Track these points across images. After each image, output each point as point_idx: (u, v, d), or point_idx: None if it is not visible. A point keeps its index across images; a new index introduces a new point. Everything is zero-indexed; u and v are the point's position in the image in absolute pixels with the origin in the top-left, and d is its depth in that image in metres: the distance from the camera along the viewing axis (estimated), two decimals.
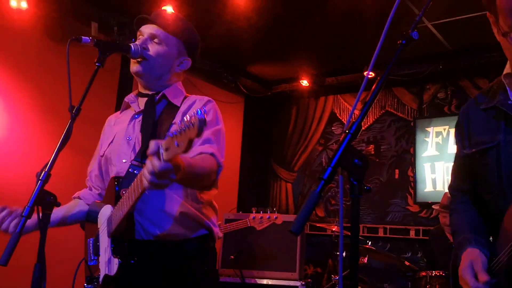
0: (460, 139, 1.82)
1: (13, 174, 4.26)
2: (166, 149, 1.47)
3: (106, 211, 2.00)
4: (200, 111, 1.37)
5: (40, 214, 1.66)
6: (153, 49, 2.09)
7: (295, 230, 1.18)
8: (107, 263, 1.90)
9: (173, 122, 2.04)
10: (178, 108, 2.11)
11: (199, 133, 1.37)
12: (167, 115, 2.07)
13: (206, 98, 2.17)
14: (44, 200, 1.64)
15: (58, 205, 1.70)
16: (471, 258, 1.63)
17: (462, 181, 1.86)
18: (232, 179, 6.97)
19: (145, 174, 1.55)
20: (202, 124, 1.36)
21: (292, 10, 4.98)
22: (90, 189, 2.28)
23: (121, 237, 1.89)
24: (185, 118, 1.41)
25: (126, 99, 2.24)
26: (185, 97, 2.18)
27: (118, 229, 1.87)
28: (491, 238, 1.69)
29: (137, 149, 2.03)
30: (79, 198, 2.27)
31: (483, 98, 1.75)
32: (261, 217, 4.12)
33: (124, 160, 2.03)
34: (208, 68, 6.25)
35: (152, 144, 1.53)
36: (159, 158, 1.51)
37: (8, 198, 4.01)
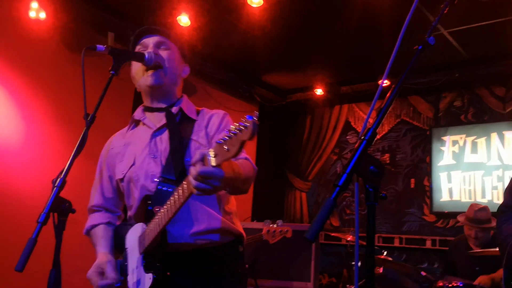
0: None
1: (30, 181, 4.31)
2: (215, 155, 1.48)
3: (136, 230, 1.99)
4: (251, 116, 1.38)
5: (56, 221, 1.66)
6: (164, 55, 2.09)
7: (310, 237, 1.17)
8: (137, 282, 1.89)
9: (191, 136, 2.03)
10: (194, 121, 2.10)
11: (252, 136, 1.37)
12: (186, 129, 2.06)
13: (222, 112, 2.15)
14: (60, 206, 1.64)
15: (74, 211, 1.70)
16: None
17: None
18: None
19: (191, 180, 1.55)
20: (255, 127, 1.37)
21: (307, 19, 4.99)
22: (112, 213, 2.23)
23: (154, 252, 1.88)
24: (234, 124, 1.42)
25: (135, 116, 2.19)
26: (197, 110, 2.17)
27: (152, 244, 1.86)
28: None
29: (163, 166, 2.01)
30: (109, 224, 2.20)
31: None
32: (274, 231, 4.16)
33: (156, 179, 1.99)
34: (223, 77, 6.27)
35: (197, 154, 1.54)
36: (205, 164, 1.51)
37: (26, 205, 4.08)
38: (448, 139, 6.10)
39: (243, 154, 1.93)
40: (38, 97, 4.57)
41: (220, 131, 2.04)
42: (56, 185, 1.66)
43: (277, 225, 4.19)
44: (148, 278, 1.85)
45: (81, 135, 1.74)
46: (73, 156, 1.71)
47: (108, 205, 2.22)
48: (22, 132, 4.45)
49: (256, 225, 4.78)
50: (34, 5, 4.42)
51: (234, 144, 1.41)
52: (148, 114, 2.16)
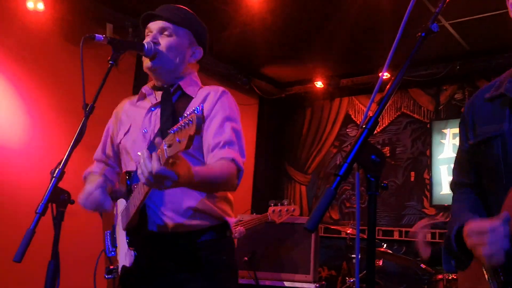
0: (464, 132, 1.77)
1: (30, 171, 4.30)
2: (169, 146, 1.48)
3: (120, 204, 2.03)
4: (198, 108, 1.39)
5: (54, 211, 1.65)
6: (164, 42, 2.09)
7: (310, 227, 1.16)
8: (125, 255, 1.92)
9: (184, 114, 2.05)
10: (191, 98, 2.11)
11: (197, 131, 1.38)
12: (182, 106, 2.07)
13: (220, 89, 2.16)
14: (59, 197, 1.64)
15: (72, 202, 1.70)
16: (475, 222, 1.50)
17: (464, 175, 1.80)
18: (246, 181, 6.95)
19: (139, 173, 1.58)
20: (200, 121, 1.38)
21: (307, 11, 4.96)
22: (111, 166, 2.28)
23: (136, 230, 1.91)
24: (185, 114, 1.43)
25: (143, 89, 2.23)
26: (200, 88, 2.18)
27: (131, 223, 1.90)
28: None
29: (150, 142, 2.04)
30: (105, 176, 2.21)
31: (488, 88, 1.70)
32: (280, 210, 4.13)
33: (139, 153, 2.02)
34: (222, 69, 6.25)
35: (157, 140, 1.56)
36: (159, 160, 1.53)
37: (25, 195, 4.06)
38: (448, 132, 6.08)
39: (230, 154, 1.93)
40: (37, 88, 4.55)
41: (216, 112, 2.03)
42: (54, 175, 1.65)
43: (283, 205, 4.15)
44: (131, 255, 1.89)
45: (80, 126, 1.73)
46: (71, 146, 1.71)
47: (107, 161, 2.29)
48: (22, 123, 4.43)
49: (255, 217, 4.77)
50: None
51: (184, 137, 1.42)
52: (155, 92, 2.20)
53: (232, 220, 2.12)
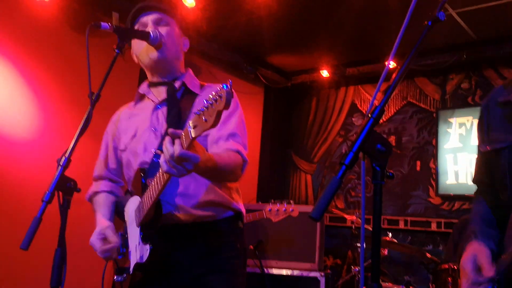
0: (480, 133, 1.79)
1: (37, 159, 4.32)
2: (194, 127, 1.48)
3: (133, 202, 2.02)
4: (226, 85, 1.40)
5: (61, 200, 1.66)
6: (164, 31, 2.09)
7: (315, 215, 1.16)
8: (138, 253, 1.92)
9: (192, 110, 2.05)
10: (196, 95, 2.11)
11: (227, 105, 1.39)
12: (187, 103, 2.07)
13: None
14: (65, 185, 1.65)
15: (79, 190, 1.71)
16: (475, 251, 1.62)
17: (482, 175, 1.84)
18: (252, 170, 6.96)
19: (162, 161, 1.58)
20: (229, 96, 1.39)
21: (313, 0, 4.92)
22: (115, 182, 2.28)
23: (150, 224, 1.91)
24: (211, 93, 1.43)
25: (140, 90, 2.22)
26: (201, 85, 2.19)
27: (147, 217, 1.89)
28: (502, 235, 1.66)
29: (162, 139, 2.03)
30: (111, 192, 2.25)
31: (502, 91, 1.70)
32: (277, 209, 4.13)
33: (153, 150, 2.04)
34: (227, 58, 6.23)
35: (171, 130, 1.56)
36: (180, 144, 1.53)
37: (32, 183, 4.09)
38: (454, 121, 6.05)
39: (235, 146, 1.96)
40: (44, 78, 4.56)
41: None
42: (61, 164, 1.66)
43: (282, 204, 4.16)
44: (146, 250, 1.88)
45: (86, 114, 1.74)
46: (77, 135, 1.71)
47: (111, 176, 2.27)
48: (29, 113, 4.45)
49: (261, 206, 4.79)
50: None
51: (211, 114, 1.43)
52: (152, 89, 2.19)
53: (244, 210, 2.15)
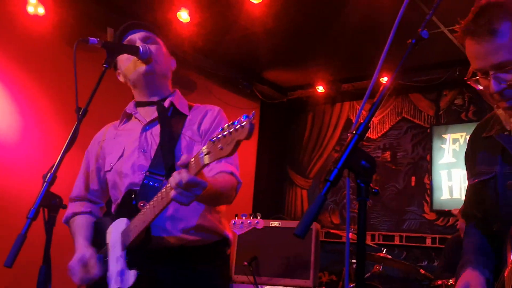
0: (467, 167, 1.84)
1: (26, 175, 4.28)
2: (207, 153, 1.47)
3: (118, 225, 1.95)
4: (248, 115, 1.38)
5: (46, 216, 1.65)
6: (153, 48, 2.07)
7: (299, 233, 1.15)
8: (119, 277, 1.86)
9: (182, 131, 2.02)
10: (185, 116, 2.09)
11: (249, 136, 1.37)
12: (177, 124, 2.04)
13: (217, 108, 2.14)
14: (50, 202, 1.64)
15: (64, 207, 1.69)
16: (469, 279, 1.63)
17: (473, 208, 1.86)
18: (248, 185, 6.94)
19: (171, 186, 1.56)
20: (252, 128, 1.37)
21: (309, 16, 4.96)
22: (94, 203, 2.22)
23: (137, 248, 1.86)
24: (228, 122, 1.42)
25: (127, 109, 2.18)
26: (189, 106, 2.16)
27: (135, 241, 1.84)
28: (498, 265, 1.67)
29: (152, 160, 2.00)
30: (91, 213, 2.19)
31: (484, 126, 1.76)
32: (242, 222, 4.11)
33: (143, 172, 1.99)
34: (223, 73, 6.25)
35: (184, 157, 1.54)
36: (189, 169, 1.52)
37: (20, 199, 4.05)
38: (448, 137, 6.06)
39: (229, 168, 1.93)
40: (38, 93, 4.56)
41: (214, 128, 2.03)
42: (46, 180, 1.65)
43: (248, 217, 4.14)
44: (132, 275, 1.82)
45: (73, 129, 1.73)
46: (64, 150, 1.70)
47: (90, 197, 2.21)
48: (21, 128, 4.44)
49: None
50: (32, 0, 4.40)
51: (229, 143, 1.41)
52: (139, 109, 2.15)
53: (231, 237, 2.12)
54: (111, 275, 1.90)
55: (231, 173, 1.93)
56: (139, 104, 2.16)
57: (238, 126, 1.38)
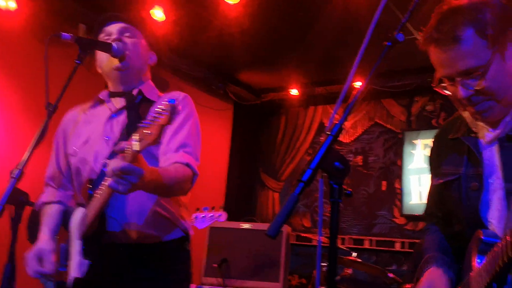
0: (431, 167, 1.85)
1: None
2: (139, 140, 1.47)
3: (78, 214, 1.93)
4: (173, 99, 1.41)
5: (12, 213, 1.61)
6: (129, 42, 2.05)
7: (271, 233, 1.15)
8: (77, 266, 1.84)
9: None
10: (153, 102, 2.07)
11: (170, 120, 1.40)
12: (143, 111, 2.02)
13: (182, 94, 2.11)
14: (17, 199, 1.60)
15: (31, 204, 1.66)
16: (433, 278, 1.63)
17: (435, 209, 1.87)
18: (219, 186, 6.92)
19: (108, 170, 1.53)
20: (174, 111, 1.40)
21: (285, 19, 4.97)
22: (65, 189, 2.17)
23: (92, 238, 1.84)
24: (158, 107, 1.43)
25: (100, 95, 2.16)
26: (159, 96, 2.15)
27: (89, 231, 1.83)
28: (460, 266, 1.68)
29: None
30: (60, 202, 2.14)
31: (451, 127, 1.78)
32: (204, 216, 4.09)
33: (103, 160, 1.97)
34: (197, 74, 6.21)
35: (121, 144, 1.54)
36: (123, 159, 1.51)
37: None
38: (419, 142, 6.15)
39: (185, 158, 1.90)
40: (7, 88, 4.46)
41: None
42: (13, 176, 1.60)
43: (210, 211, 4.11)
44: (85, 264, 1.81)
45: (42, 125, 1.69)
46: (32, 146, 1.66)
47: (62, 179, 2.16)
48: None
49: (227, 224, 4.76)
50: None
51: (155, 129, 1.43)
52: (112, 98, 2.13)
53: (192, 231, 2.10)
54: (71, 263, 1.89)
55: (187, 164, 1.90)
56: (112, 95, 2.14)
57: (161, 111, 1.41)
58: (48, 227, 2.02)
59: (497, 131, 1.56)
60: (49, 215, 2.07)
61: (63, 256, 1.97)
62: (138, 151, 1.48)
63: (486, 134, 1.60)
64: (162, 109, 1.40)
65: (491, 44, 1.44)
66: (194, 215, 4.09)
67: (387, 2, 1.37)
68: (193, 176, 1.93)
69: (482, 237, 1.48)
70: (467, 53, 1.45)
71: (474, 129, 1.65)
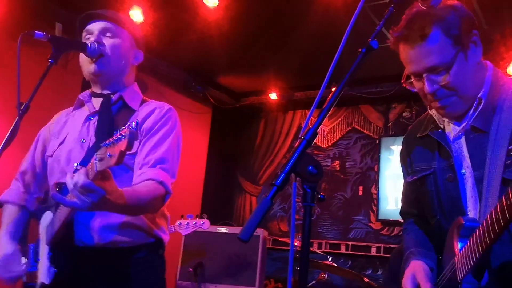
0: (404, 166, 1.92)
1: None
2: (100, 160, 1.42)
3: (46, 217, 1.90)
4: (135, 124, 1.35)
5: None
6: (108, 43, 2.01)
7: (243, 237, 1.14)
8: (45, 271, 1.81)
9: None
10: (134, 111, 2.03)
11: (128, 147, 1.33)
12: (122, 118, 1.98)
13: (166, 106, 2.07)
14: None
15: (1, 205, 1.61)
16: (414, 270, 1.70)
17: (410, 206, 1.95)
18: (197, 190, 6.88)
19: (68, 184, 1.48)
20: (132, 137, 1.33)
21: (265, 23, 4.97)
22: (31, 191, 2.12)
23: (60, 245, 1.81)
24: (120, 129, 1.37)
25: (80, 96, 2.13)
26: (143, 101, 2.10)
27: (56, 237, 1.79)
28: (440, 257, 1.74)
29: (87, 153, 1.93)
30: (24, 208, 2.09)
31: (419, 127, 1.86)
32: (187, 223, 4.09)
33: (75, 164, 1.92)
34: (176, 76, 6.18)
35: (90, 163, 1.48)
36: (87, 174, 1.46)
37: None
38: (396, 148, 6.22)
39: (159, 176, 1.85)
40: None
41: (158, 129, 1.97)
42: None
43: (194, 218, 4.13)
44: (51, 272, 1.78)
45: (12, 125, 1.66)
46: (2, 146, 1.63)
47: (31, 178, 2.12)
48: None
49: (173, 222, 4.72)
50: None
51: (115, 152, 1.37)
52: (94, 99, 2.10)
53: (166, 237, 2.05)
54: (40, 268, 1.86)
55: (161, 182, 1.84)
56: (94, 95, 2.10)
57: (121, 135, 1.35)
58: (10, 232, 1.98)
59: (463, 124, 1.65)
60: (12, 220, 2.02)
61: (32, 256, 1.93)
62: (97, 172, 1.43)
63: (452, 128, 1.70)
64: (121, 135, 1.34)
65: (455, 43, 1.55)
66: (178, 222, 4.08)
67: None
68: (165, 195, 1.87)
69: (464, 223, 1.54)
70: (434, 50, 1.56)
71: (441, 125, 1.73)
